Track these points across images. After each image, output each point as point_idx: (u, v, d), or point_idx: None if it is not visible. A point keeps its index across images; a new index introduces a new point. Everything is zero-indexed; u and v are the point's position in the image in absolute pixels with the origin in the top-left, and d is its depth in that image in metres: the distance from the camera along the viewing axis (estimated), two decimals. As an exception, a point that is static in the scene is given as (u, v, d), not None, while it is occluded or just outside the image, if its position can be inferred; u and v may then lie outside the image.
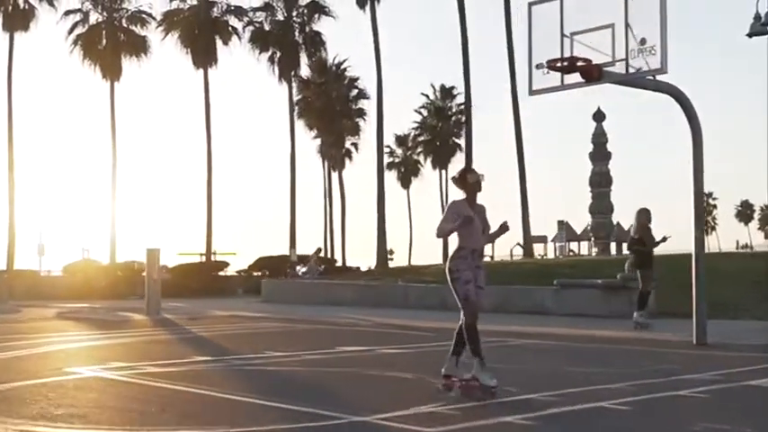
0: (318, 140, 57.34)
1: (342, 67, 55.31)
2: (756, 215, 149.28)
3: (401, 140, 69.32)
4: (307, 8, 45.62)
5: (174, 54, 44.31)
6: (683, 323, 14.78)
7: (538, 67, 11.87)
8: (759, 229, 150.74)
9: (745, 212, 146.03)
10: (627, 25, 11.08)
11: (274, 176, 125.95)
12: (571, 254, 59.66)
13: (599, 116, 43.61)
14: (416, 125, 68.46)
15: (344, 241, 56.44)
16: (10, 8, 41.71)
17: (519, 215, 40.37)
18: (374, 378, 9.07)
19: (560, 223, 55.98)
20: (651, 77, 11.56)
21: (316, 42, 45.76)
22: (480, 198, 7.95)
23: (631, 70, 11.20)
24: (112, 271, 37.23)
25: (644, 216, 14.57)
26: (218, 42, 43.63)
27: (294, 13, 45.49)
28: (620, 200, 46.22)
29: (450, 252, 8.01)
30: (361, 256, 77.89)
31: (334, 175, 57.11)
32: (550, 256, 55.88)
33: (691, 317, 15.47)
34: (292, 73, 45.67)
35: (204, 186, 43.49)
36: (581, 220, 62.34)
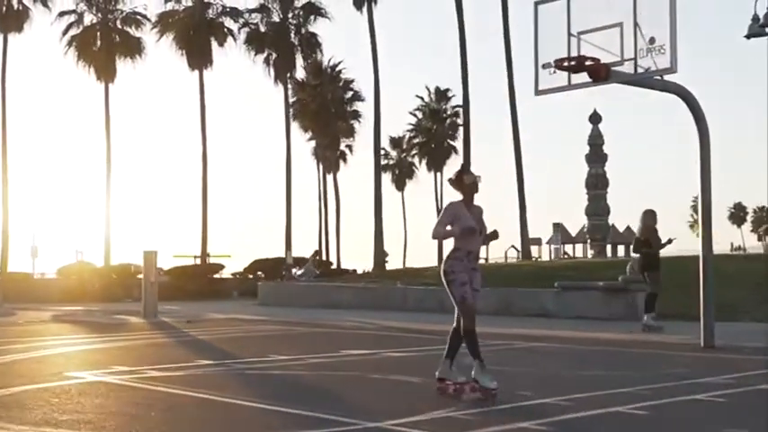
0: (313, 142, 57.28)
1: (337, 69, 55.30)
2: (749, 217, 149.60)
3: (396, 142, 69.23)
4: (302, 9, 45.45)
5: (169, 56, 44.10)
6: (686, 325, 14.72)
7: (544, 66, 11.72)
8: (752, 231, 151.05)
9: (738, 215, 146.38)
10: (635, 24, 10.94)
11: (269, 179, 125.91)
12: (565, 256, 59.61)
13: (595, 118, 43.53)
14: (411, 127, 68.46)
15: (339, 243, 56.42)
16: (4, 9, 41.54)
17: (513, 217, 40.33)
18: (382, 382, 8.91)
19: (555, 225, 55.82)
20: (659, 77, 11.43)
21: (311, 44, 45.58)
22: (476, 199, 7.88)
23: (640, 70, 11.06)
24: (107, 273, 36.97)
25: (650, 217, 14.45)
26: (214, 44, 43.45)
27: (290, 15, 45.30)
28: (616, 202, 46.23)
29: (446, 254, 7.91)
30: (356, 258, 77.75)
31: (329, 178, 57.11)
32: (545, 258, 55.79)
33: (693, 319, 15.44)
34: (288, 75, 45.48)
35: (199, 188, 43.33)
36: (575, 222, 62.39)
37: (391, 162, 68.58)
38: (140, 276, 33.00)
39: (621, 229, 65.14)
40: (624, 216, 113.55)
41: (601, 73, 10.94)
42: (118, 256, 41.81)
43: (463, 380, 7.66)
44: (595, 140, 43.76)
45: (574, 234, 66.33)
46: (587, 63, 10.89)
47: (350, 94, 56.09)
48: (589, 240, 47.35)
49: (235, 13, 44.40)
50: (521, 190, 40.23)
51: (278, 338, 14.95)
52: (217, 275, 39.71)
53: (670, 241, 14.39)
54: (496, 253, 55.22)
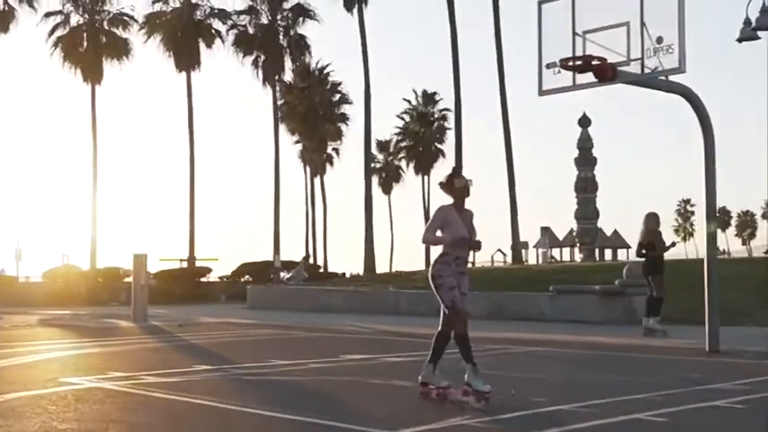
0: (300, 145, 56.98)
1: (325, 71, 55.04)
2: (734, 221, 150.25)
3: (382, 146, 69.05)
4: (291, 11, 45.14)
5: (157, 57, 43.58)
6: (686, 330, 14.55)
7: (548, 66, 11.54)
8: (736, 235, 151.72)
9: (722, 219, 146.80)
10: (642, 24, 10.76)
11: (257, 181, 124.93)
12: (552, 260, 59.50)
13: (585, 121, 43.46)
14: (399, 131, 68.27)
15: (326, 247, 56.10)
16: (-11, 9, 41.05)
17: (500, 220, 40.26)
18: (388, 388, 8.66)
19: (544, 229, 55.80)
20: (664, 78, 11.27)
21: (300, 46, 45.28)
22: (466, 203, 7.78)
23: (646, 70, 10.89)
24: (93, 277, 36.55)
25: (653, 220, 14.28)
26: (202, 45, 43.06)
27: (278, 17, 44.97)
28: (601, 206, 46.04)
29: (433, 257, 7.79)
30: (344, 261, 77.58)
31: (316, 181, 56.80)
32: (532, 261, 55.66)
33: (692, 323, 15.31)
34: (277, 77, 45.16)
35: (186, 191, 42.95)
36: (562, 226, 62.33)
37: (378, 165, 68.34)
38: (127, 280, 32.84)
39: (609, 233, 65.16)
40: (611, 220, 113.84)
41: (607, 73, 10.76)
42: (103, 259, 41.40)
43: (446, 384, 7.56)
44: (585, 144, 43.70)
45: (561, 238, 66.27)
46: (594, 63, 10.69)
47: (337, 96, 55.89)
48: (578, 244, 47.20)
49: (223, 14, 44.04)
50: (512, 194, 40.09)
51: (273, 343, 14.69)
52: (204, 279, 39.39)
53: (674, 244, 14.27)
54: (483, 257, 55.00)
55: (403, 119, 67.70)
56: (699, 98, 11.88)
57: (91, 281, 35.67)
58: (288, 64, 45.86)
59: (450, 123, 63.82)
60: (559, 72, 11.41)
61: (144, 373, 9.57)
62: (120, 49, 42.96)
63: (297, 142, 56.74)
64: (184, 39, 42.19)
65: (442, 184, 7.78)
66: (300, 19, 45.11)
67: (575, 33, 11.31)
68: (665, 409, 7.01)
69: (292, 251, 51.18)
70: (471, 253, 8.27)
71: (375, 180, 66.30)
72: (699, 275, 17.71)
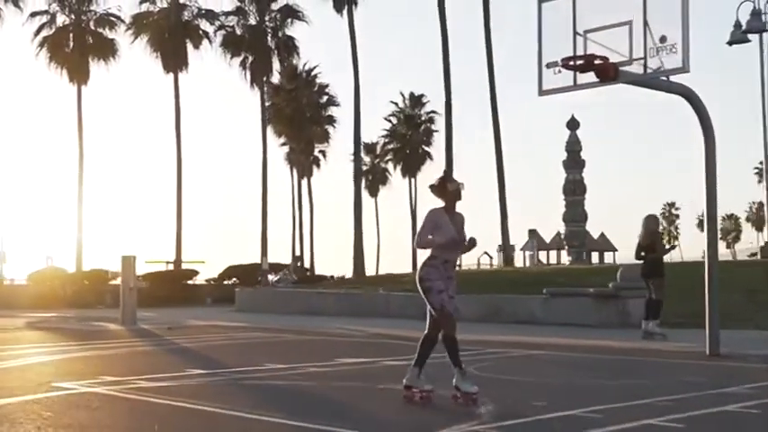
0: (286, 147, 56.69)
1: (312, 73, 54.79)
2: (718, 225, 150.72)
3: (369, 148, 68.81)
4: (279, 12, 44.90)
5: (144, 58, 43.24)
6: (684, 333, 14.46)
7: (549, 66, 11.37)
8: (721, 239, 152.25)
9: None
10: (645, 22, 10.61)
11: (243, 183, 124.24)
12: (539, 263, 59.42)
13: (573, 124, 43.35)
14: (386, 133, 68.11)
15: (313, 249, 55.83)
16: (-26, 10, 40.62)
17: (488, 223, 40.13)
18: (392, 393, 8.44)
19: (531, 232, 55.72)
20: (665, 78, 11.13)
21: (288, 47, 45.05)
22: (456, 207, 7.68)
23: (649, 70, 10.73)
24: (79, 279, 36.21)
25: (653, 222, 14.17)
26: (189, 46, 42.80)
27: (267, 18, 44.73)
28: (589, 209, 45.91)
29: (421, 259, 7.71)
30: (331, 264, 77.28)
31: (303, 183, 56.53)
32: (519, 264, 55.54)
33: (689, 326, 15.23)
34: (265, 78, 44.88)
35: (173, 192, 42.64)
36: (549, 228, 62.30)
37: (365, 168, 68.10)
38: (114, 282, 32.55)
39: (595, 235, 65.14)
40: (597, 223, 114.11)
41: (609, 73, 10.60)
42: (89, 261, 40.99)
43: (429, 388, 7.49)
44: (573, 147, 43.56)
45: (548, 240, 66.21)
46: (596, 62, 10.53)
47: (325, 98, 55.66)
48: (566, 247, 47.09)
49: (211, 15, 43.79)
50: (502, 197, 39.99)
51: (265, 346, 14.46)
52: (190, 282, 39.10)
53: (674, 247, 14.15)
54: (469, 260, 54.79)
55: (390, 121, 67.60)
56: (700, 99, 11.75)
57: (76, 283, 35.36)
58: (276, 65, 45.67)
59: (437, 126, 63.97)
60: (560, 72, 11.24)
61: (137, 378, 9.35)
62: (107, 50, 42.64)
63: (284, 144, 56.49)
64: (172, 39, 41.93)
65: (432, 187, 7.69)
66: (289, 20, 44.92)
67: (575, 32, 11.15)
68: (678, 415, 6.84)
69: (279, 253, 50.98)
70: (459, 254, 8.13)
71: (362, 182, 66.18)
72: (692, 279, 17.65)
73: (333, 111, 55.94)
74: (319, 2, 43.05)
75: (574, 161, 43.61)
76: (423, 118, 66.59)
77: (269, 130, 49.36)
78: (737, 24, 29.44)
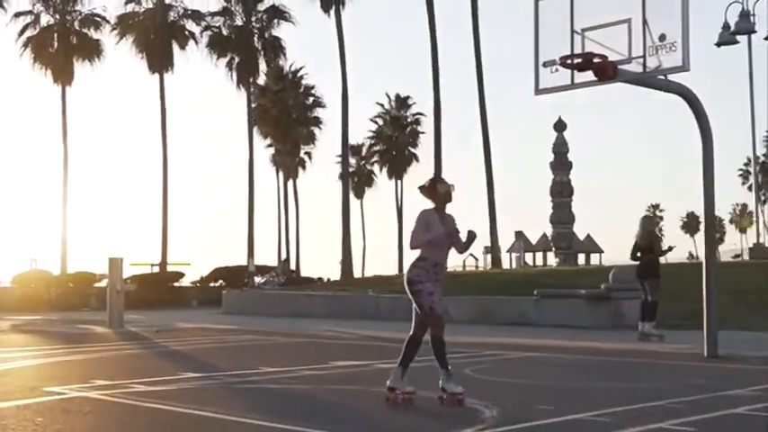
0: (272, 149, 56.42)
1: (298, 74, 54.57)
2: (702, 227, 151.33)
3: (355, 150, 68.55)
4: (266, 13, 44.61)
5: (129, 58, 42.79)
6: (680, 334, 14.36)
7: (545, 64, 11.23)
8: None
9: (691, 224, 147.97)
10: (644, 21, 10.49)
11: (229, 184, 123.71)
12: (525, 265, 59.35)
13: (560, 125, 43.28)
14: (372, 134, 67.94)
15: (299, 251, 55.59)
16: (-42, 10, 40.15)
17: (477, 224, 39.90)
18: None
19: (518, 233, 55.59)
20: (663, 77, 11.02)
21: (275, 48, 44.77)
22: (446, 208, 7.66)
23: (648, 69, 10.61)
24: (64, 282, 35.84)
25: (649, 222, 14.10)
26: (175, 47, 42.41)
27: (253, 18, 44.42)
28: (575, 210, 45.79)
29: (408, 261, 7.65)
30: (317, 266, 76.95)
31: (289, 185, 56.28)
32: (505, 266, 55.41)
33: (685, 327, 15.16)
34: (251, 79, 44.59)
35: (159, 194, 42.30)
36: (535, 230, 62.22)
37: (351, 169, 67.91)
38: (99, 285, 32.23)
39: (582, 237, 65.15)
40: (583, 224, 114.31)
41: (608, 71, 10.47)
42: (73, 263, 40.57)
43: (411, 390, 7.47)
44: (560, 148, 43.47)
45: (534, 242, 66.18)
46: (595, 60, 10.40)
47: (311, 100, 55.46)
48: (554, 249, 46.99)
49: (197, 15, 43.38)
50: (491, 198, 39.87)
51: (256, 349, 14.26)
52: (176, 284, 38.78)
53: (671, 248, 14.06)
54: (455, 261, 54.66)
55: (376, 122, 67.43)
56: (698, 99, 11.65)
57: (61, 286, 35.00)
58: (262, 66, 45.38)
59: (424, 127, 63.87)
60: (557, 70, 11.11)
61: (130, 381, 9.13)
62: (92, 50, 42.23)
63: (269, 146, 56.25)
64: (157, 40, 41.54)
65: (423, 189, 7.64)
66: (275, 21, 44.63)
67: (573, 31, 11.02)
68: (688, 418, 6.70)
69: (265, 255, 50.69)
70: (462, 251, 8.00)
71: (349, 184, 65.98)
72: (681, 280, 17.64)
73: (319, 112, 55.84)
74: (306, 2, 42.80)
75: (561, 162, 43.54)
76: (409, 119, 66.52)
77: (255, 131, 49.11)
78: (726, 26, 29.52)
